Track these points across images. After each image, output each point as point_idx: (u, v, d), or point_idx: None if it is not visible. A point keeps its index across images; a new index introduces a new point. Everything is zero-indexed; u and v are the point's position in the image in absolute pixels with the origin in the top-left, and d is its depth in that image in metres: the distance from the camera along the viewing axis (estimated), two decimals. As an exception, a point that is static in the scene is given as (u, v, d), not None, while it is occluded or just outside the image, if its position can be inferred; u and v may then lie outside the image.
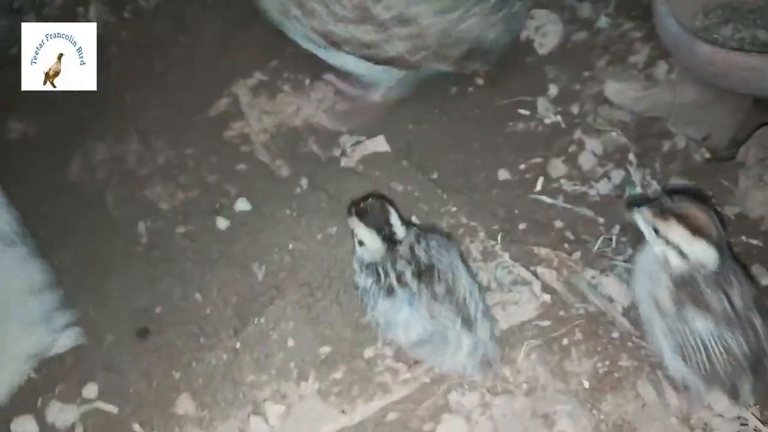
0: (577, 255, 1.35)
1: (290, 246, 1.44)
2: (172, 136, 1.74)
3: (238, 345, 1.30)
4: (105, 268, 1.48)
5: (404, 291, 1.10)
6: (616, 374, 1.17)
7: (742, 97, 1.63)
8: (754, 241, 1.43)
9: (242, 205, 1.59)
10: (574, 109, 1.65)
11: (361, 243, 1.17)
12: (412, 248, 1.14)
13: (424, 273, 1.11)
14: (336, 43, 1.51)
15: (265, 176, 1.64)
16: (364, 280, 1.16)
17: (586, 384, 1.17)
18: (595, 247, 1.37)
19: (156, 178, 1.67)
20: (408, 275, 1.11)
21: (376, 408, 1.20)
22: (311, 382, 1.22)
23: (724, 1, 1.81)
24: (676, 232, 1.04)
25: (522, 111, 1.67)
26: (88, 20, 2.11)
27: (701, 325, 1.03)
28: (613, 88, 1.67)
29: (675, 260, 1.05)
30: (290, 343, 1.27)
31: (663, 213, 1.06)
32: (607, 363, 1.18)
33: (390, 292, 1.11)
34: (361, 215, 1.17)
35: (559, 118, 1.65)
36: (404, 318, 1.09)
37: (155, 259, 1.49)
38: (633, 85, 1.68)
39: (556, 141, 1.62)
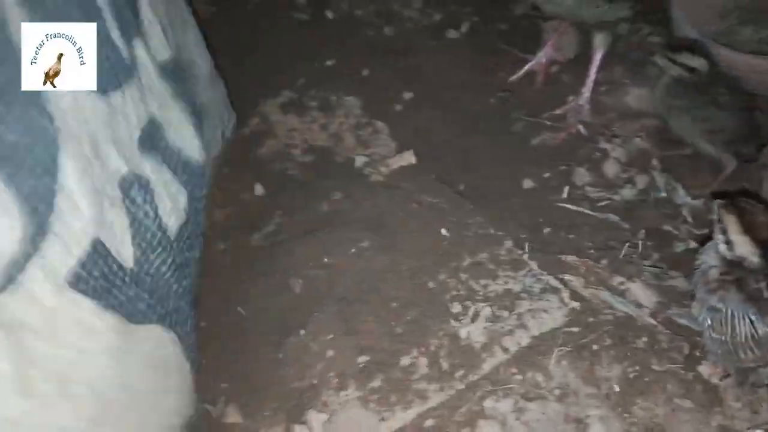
0: (604, 262, 1.39)
1: (325, 260, 1.50)
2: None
3: (280, 356, 1.36)
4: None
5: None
6: (646, 378, 1.21)
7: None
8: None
9: (277, 220, 1.66)
10: (597, 118, 1.69)
11: (693, 71, 1.30)
12: None
13: None
14: None
15: (297, 192, 1.70)
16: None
17: (617, 388, 1.20)
18: (622, 254, 1.41)
19: (194, 198, 1.74)
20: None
21: (414, 415, 1.24)
22: (351, 390, 1.27)
23: (741, 3, 1.84)
24: (730, 224, 1.14)
25: (546, 122, 1.71)
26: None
27: (735, 304, 1.12)
28: (634, 94, 1.71)
29: (723, 247, 1.15)
30: (329, 353, 1.33)
31: (731, 206, 1.16)
32: (636, 368, 1.21)
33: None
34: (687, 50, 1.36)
35: (581, 127, 1.69)
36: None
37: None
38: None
39: (579, 150, 1.66)
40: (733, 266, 1.14)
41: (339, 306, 1.40)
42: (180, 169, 1.41)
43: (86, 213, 1.02)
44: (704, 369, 1.22)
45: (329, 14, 2.11)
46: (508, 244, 1.44)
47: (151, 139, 1.31)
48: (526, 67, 1.83)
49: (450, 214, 1.53)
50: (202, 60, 1.72)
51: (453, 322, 1.32)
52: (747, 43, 1.75)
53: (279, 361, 1.36)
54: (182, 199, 1.38)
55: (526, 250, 1.42)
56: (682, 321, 1.29)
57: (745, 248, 1.13)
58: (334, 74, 1.94)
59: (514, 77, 1.84)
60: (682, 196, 1.56)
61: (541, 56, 1.83)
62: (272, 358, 1.37)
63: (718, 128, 1.51)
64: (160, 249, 1.24)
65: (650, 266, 1.38)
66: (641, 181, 1.58)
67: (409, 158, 1.71)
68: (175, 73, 1.49)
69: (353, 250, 1.49)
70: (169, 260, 1.27)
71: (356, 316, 1.38)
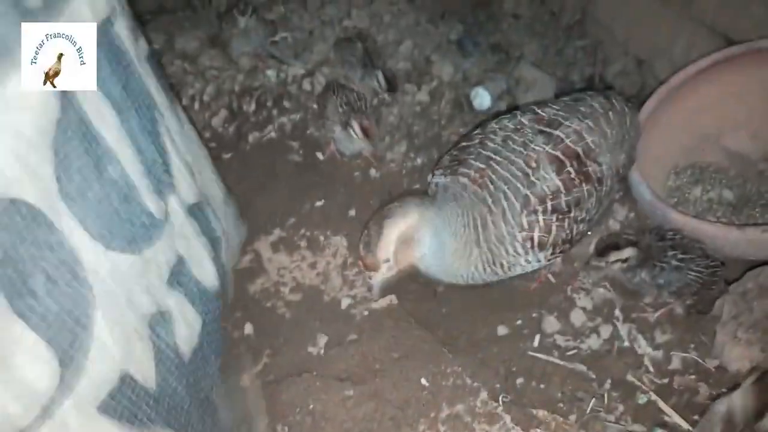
0: (572, 417, 1.49)
1: (310, 406, 1.57)
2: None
3: None
4: None
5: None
6: None
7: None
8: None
9: (265, 360, 1.74)
10: (565, 267, 1.84)
11: (626, 260, 1.66)
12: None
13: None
14: None
15: (285, 333, 1.80)
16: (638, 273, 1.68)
17: None
18: (589, 408, 1.51)
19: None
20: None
21: None
22: None
23: (693, 161, 2.04)
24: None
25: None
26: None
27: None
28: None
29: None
30: (314, 508, 1.38)
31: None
32: None
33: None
34: (613, 248, 1.66)
35: (550, 276, 1.83)
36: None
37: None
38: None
39: (549, 297, 1.79)
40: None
41: (323, 455, 1.47)
42: (198, 298, 1.55)
43: (117, 355, 1.20)
44: None
45: (320, 156, 2.29)
46: (484, 395, 1.53)
47: (178, 276, 1.47)
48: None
49: (429, 362, 1.62)
50: (216, 190, 1.87)
51: (431, 478, 1.39)
52: (697, 201, 1.94)
53: None
54: (197, 326, 1.51)
55: (500, 402, 1.52)
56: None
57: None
58: (322, 214, 2.09)
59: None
60: (643, 346, 1.68)
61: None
62: None
63: (672, 288, 1.67)
64: (176, 371, 1.40)
65: (614, 422, 1.48)
66: (605, 330, 1.71)
67: (390, 301, 1.82)
68: (199, 210, 1.65)
69: (338, 397, 1.57)
70: (183, 380, 1.42)
71: (340, 466, 1.44)
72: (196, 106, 2.53)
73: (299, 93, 2.54)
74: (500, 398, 1.52)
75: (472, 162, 1.60)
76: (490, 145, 1.61)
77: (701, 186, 1.97)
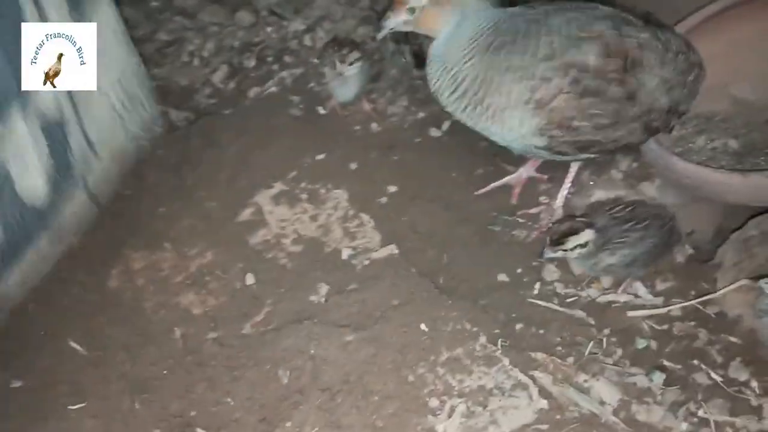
0: (570, 360, 1.50)
1: (312, 351, 1.59)
2: (203, 245, 1.92)
3: (266, 448, 1.44)
4: (144, 374, 1.64)
5: None
6: (609, 474, 1.30)
7: (717, 203, 1.81)
8: (734, 339, 1.58)
9: (267, 309, 1.76)
10: (566, 217, 1.83)
11: (585, 245, 1.56)
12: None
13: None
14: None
15: (287, 283, 1.81)
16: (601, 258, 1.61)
17: (582, 483, 1.29)
18: (587, 351, 1.52)
19: (188, 285, 1.84)
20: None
21: (394, 505, 1.32)
22: (334, 483, 1.35)
23: (699, 111, 2.01)
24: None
25: (520, 219, 1.85)
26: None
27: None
28: (598, 197, 1.86)
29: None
30: (314, 446, 1.41)
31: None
32: (601, 464, 1.31)
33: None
34: (570, 234, 1.56)
35: (552, 227, 1.82)
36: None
37: (189, 364, 1.65)
38: (618, 192, 1.86)
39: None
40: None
41: (323, 397, 1.49)
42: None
43: None
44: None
45: (320, 110, 2.28)
46: (483, 339, 1.54)
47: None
48: (504, 180, 1.93)
49: (429, 309, 1.63)
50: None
51: (430, 417, 1.41)
52: (701, 151, 1.92)
53: (266, 453, 1.44)
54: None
55: (499, 346, 1.53)
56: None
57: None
58: (323, 167, 2.08)
59: (482, 190, 1.93)
60: (643, 293, 1.68)
61: (522, 172, 1.93)
62: (259, 449, 1.45)
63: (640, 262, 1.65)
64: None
65: (613, 365, 1.49)
66: (606, 279, 1.71)
67: (391, 251, 1.83)
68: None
69: (339, 342, 1.59)
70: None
71: (339, 408, 1.46)
72: (196, 62, 2.52)
73: (300, 48, 2.51)
74: (499, 342, 1.53)
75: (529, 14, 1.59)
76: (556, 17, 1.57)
77: (705, 135, 1.95)
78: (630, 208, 1.65)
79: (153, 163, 2.13)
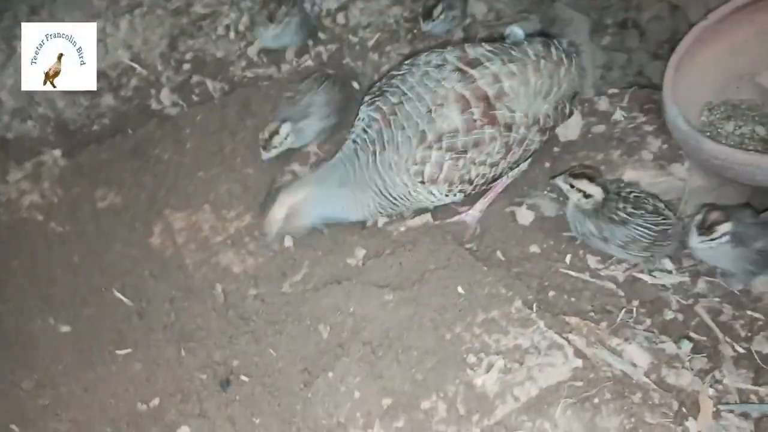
0: (603, 324, 1.55)
1: (351, 309, 1.65)
2: (241, 208, 1.98)
3: (309, 395, 1.49)
4: (188, 325, 1.69)
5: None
6: (640, 430, 1.35)
7: (744, 185, 1.86)
8: (757, 315, 1.64)
9: (305, 270, 1.81)
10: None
11: (588, 197, 1.63)
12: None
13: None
14: None
15: (323, 247, 1.86)
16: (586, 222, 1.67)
17: (616, 438, 1.35)
18: (619, 318, 1.58)
19: (228, 245, 1.89)
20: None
21: (433, 454, 1.38)
22: (377, 429, 1.40)
23: (726, 98, 2.07)
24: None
25: (550, 194, 1.90)
26: (159, 102, 2.40)
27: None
28: (629, 176, 1.91)
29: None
30: (356, 395, 1.46)
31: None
32: (632, 420, 1.36)
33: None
34: (587, 177, 1.64)
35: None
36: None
37: (232, 317, 1.70)
38: (648, 172, 1.92)
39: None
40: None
41: (364, 351, 1.55)
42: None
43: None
44: (691, 424, 1.38)
45: (356, 85, 2.32)
46: (518, 303, 1.60)
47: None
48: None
49: (464, 274, 1.69)
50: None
51: (469, 371, 1.47)
52: (729, 136, 1.97)
53: (308, 401, 1.49)
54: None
55: (534, 309, 1.58)
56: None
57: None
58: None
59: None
60: (668, 267, 1.74)
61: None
62: (302, 396, 1.50)
63: (617, 242, 1.68)
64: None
65: (643, 331, 1.55)
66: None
67: (426, 219, 1.88)
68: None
69: (378, 301, 1.64)
70: None
71: (380, 361, 1.52)
72: (232, 35, 2.56)
73: (333, 26, 2.56)
74: (533, 306, 1.59)
75: (389, 97, 1.67)
76: (409, 80, 1.67)
77: (734, 121, 2.00)
78: (637, 196, 1.71)
79: (192, 129, 2.18)
